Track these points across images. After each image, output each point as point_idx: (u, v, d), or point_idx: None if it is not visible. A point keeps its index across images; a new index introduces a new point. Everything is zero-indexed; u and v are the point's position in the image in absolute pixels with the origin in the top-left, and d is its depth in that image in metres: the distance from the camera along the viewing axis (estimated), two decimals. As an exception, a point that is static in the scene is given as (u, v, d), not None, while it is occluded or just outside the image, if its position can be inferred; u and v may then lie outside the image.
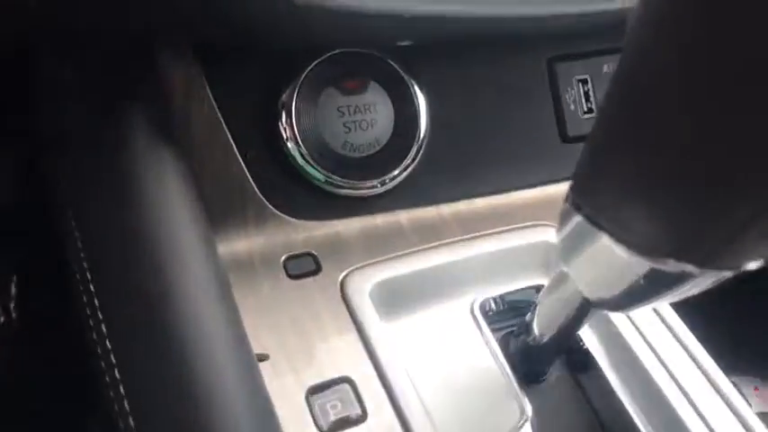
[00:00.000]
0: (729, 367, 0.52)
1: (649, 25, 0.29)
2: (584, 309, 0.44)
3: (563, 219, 0.41)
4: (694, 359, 0.51)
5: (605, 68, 0.64)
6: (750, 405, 0.49)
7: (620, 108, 0.33)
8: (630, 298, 0.38)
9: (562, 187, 0.60)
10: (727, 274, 0.33)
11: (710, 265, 0.32)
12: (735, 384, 0.51)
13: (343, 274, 0.50)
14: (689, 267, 0.33)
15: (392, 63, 0.54)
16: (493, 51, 0.59)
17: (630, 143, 0.33)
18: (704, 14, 0.25)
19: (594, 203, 0.37)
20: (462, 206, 0.56)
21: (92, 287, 0.39)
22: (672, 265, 0.33)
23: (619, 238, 0.35)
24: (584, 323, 0.46)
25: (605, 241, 0.36)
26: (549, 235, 0.55)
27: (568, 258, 0.41)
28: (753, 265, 0.32)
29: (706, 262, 0.32)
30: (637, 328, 0.50)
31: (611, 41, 0.64)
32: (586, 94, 0.63)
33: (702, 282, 0.34)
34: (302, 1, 0.41)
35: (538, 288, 0.55)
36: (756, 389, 0.69)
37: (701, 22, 0.25)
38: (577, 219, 0.39)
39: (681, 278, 0.34)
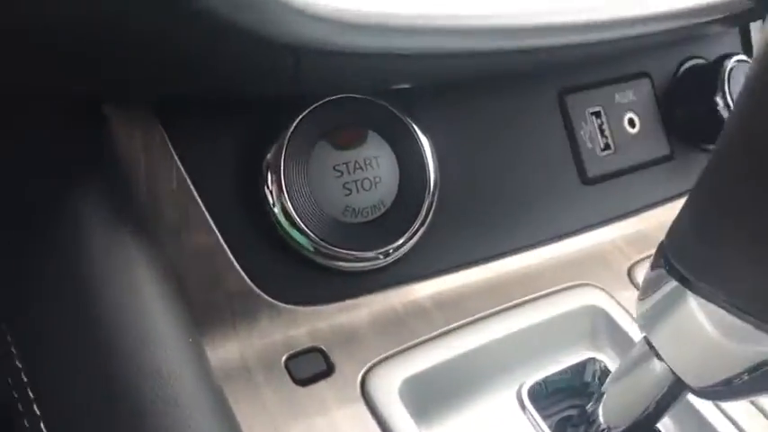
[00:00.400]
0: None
1: None
2: (673, 395, 0.36)
3: (649, 284, 0.33)
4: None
5: (617, 98, 0.57)
6: None
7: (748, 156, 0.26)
8: (745, 385, 0.30)
9: (592, 237, 0.52)
10: None
11: None
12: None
13: (362, 371, 0.40)
14: None
15: (391, 108, 0.45)
16: (499, 87, 0.51)
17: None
18: None
19: (705, 271, 0.29)
20: (487, 270, 0.47)
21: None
22: None
23: (740, 310, 0.27)
24: (668, 412, 0.37)
25: (710, 309, 0.28)
26: (592, 297, 0.47)
27: (659, 335, 0.33)
28: None
29: None
30: (728, 418, 0.42)
31: (618, 69, 0.57)
32: (601, 128, 0.55)
33: None
34: (286, 38, 0.32)
35: (587, 362, 0.46)
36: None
37: None
38: (671, 284, 0.30)
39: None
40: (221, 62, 0.33)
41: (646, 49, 0.58)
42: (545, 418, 0.44)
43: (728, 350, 0.29)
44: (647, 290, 0.33)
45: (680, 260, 0.30)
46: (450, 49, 0.38)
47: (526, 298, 0.46)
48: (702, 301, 0.29)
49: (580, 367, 0.45)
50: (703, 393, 0.33)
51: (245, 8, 0.29)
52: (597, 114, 0.56)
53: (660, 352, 0.33)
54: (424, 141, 0.45)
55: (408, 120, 0.45)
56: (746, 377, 0.29)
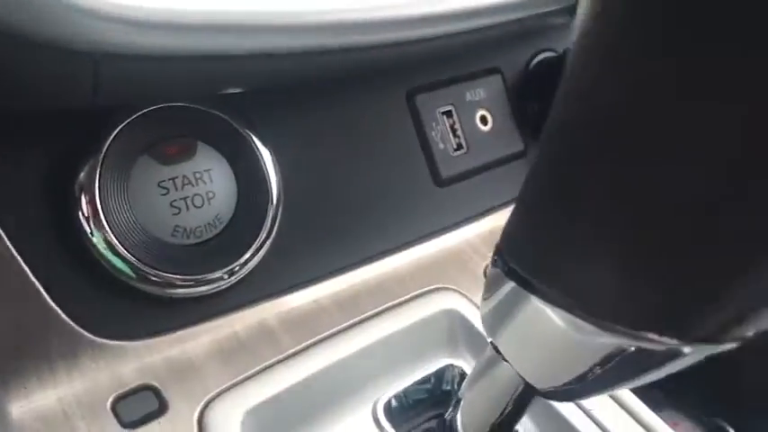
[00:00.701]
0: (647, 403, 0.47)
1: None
2: (525, 398, 0.35)
3: (491, 286, 0.31)
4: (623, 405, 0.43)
5: (468, 96, 0.56)
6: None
7: (573, 151, 0.25)
8: (591, 384, 0.29)
9: (447, 239, 0.51)
10: (729, 346, 0.25)
11: (716, 338, 0.24)
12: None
13: (200, 407, 0.36)
14: (681, 343, 0.24)
15: (223, 116, 0.41)
16: (343, 89, 0.48)
17: (599, 191, 0.24)
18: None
19: (543, 271, 0.28)
20: (339, 283, 0.44)
21: None
22: (652, 341, 0.24)
23: (571, 307, 0.26)
24: (524, 414, 0.36)
25: (551, 313, 0.27)
26: (448, 301, 0.45)
27: (499, 335, 0.32)
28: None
29: (710, 335, 0.24)
30: (586, 413, 0.41)
31: (469, 66, 0.56)
32: (453, 127, 0.54)
33: (692, 359, 0.26)
34: (77, 43, 0.29)
35: (446, 368, 0.45)
36: (675, 423, 0.63)
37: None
38: (509, 285, 0.29)
39: (665, 358, 0.25)
40: (7, 71, 0.29)
41: (495, 45, 0.57)
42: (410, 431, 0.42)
43: (574, 347, 0.28)
44: (488, 290, 0.32)
45: (516, 260, 0.29)
46: (261, 48, 0.35)
47: (380, 308, 0.44)
48: (541, 300, 0.28)
49: (440, 375, 0.44)
50: (553, 395, 0.32)
51: (19, 7, 0.25)
52: (448, 114, 0.54)
53: (505, 355, 0.32)
54: (264, 150, 0.42)
55: (244, 128, 0.42)
56: (599, 370, 0.28)
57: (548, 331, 0.28)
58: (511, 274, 0.29)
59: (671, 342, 0.24)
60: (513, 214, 0.29)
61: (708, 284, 0.23)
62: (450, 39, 0.51)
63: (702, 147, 0.19)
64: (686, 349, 0.25)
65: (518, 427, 0.43)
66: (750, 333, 0.24)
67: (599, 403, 0.42)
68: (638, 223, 0.23)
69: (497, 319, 0.31)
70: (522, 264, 0.29)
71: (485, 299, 0.31)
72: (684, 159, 0.20)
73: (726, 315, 0.23)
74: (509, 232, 0.30)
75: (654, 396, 0.63)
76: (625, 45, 0.20)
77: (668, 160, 0.21)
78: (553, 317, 0.27)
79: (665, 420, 0.64)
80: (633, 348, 0.25)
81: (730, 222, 0.21)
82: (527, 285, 0.28)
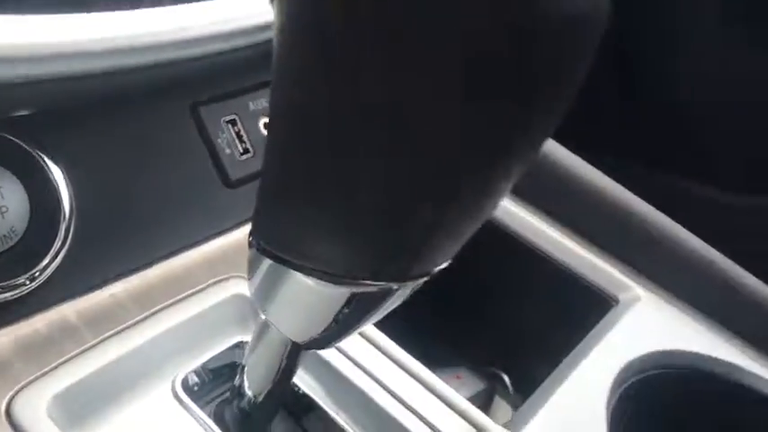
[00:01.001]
0: (432, 362, 0.55)
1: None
2: (294, 354, 0.42)
3: (251, 266, 0.38)
4: (404, 367, 0.52)
5: (251, 106, 0.63)
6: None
7: (286, 143, 0.32)
8: (338, 329, 0.38)
9: (238, 233, 0.58)
10: (423, 280, 0.33)
11: (407, 277, 0.33)
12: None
13: (7, 397, 0.41)
14: (388, 284, 0.32)
15: (11, 137, 0.45)
16: (130, 106, 0.53)
17: (302, 177, 0.32)
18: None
19: (279, 242, 0.36)
20: (135, 281, 0.50)
21: None
22: (371, 286, 0.33)
23: (311, 272, 0.34)
24: (297, 368, 0.44)
25: (299, 279, 0.35)
26: (239, 287, 0.52)
27: (266, 306, 0.39)
28: (443, 265, 0.33)
29: (402, 275, 0.32)
30: (344, 354, 0.50)
31: (253, 79, 0.63)
32: (238, 134, 0.61)
33: (402, 294, 0.34)
34: None
35: (238, 345, 0.51)
36: (459, 377, 0.74)
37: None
38: (266, 262, 0.36)
39: (383, 296, 0.34)
40: None
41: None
42: (206, 404, 0.48)
43: (322, 301, 0.35)
44: (250, 270, 0.39)
45: (265, 240, 0.36)
46: (46, 75, 0.40)
47: (175, 299, 0.50)
48: (292, 270, 0.35)
49: (233, 351, 0.51)
50: (315, 344, 0.40)
51: None
52: (233, 122, 0.61)
53: (273, 322, 0.39)
54: (54, 167, 0.47)
55: (34, 148, 0.46)
56: (341, 315, 0.35)
57: (301, 294, 0.36)
58: (264, 252, 0.36)
59: (383, 284, 0.33)
60: (257, 198, 0.36)
61: (395, 247, 0.31)
62: (229, 55, 0.58)
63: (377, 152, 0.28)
64: (394, 286, 0.33)
65: (301, 384, 0.51)
66: (431, 269, 0.33)
67: (379, 364, 0.51)
68: (345, 209, 0.31)
69: (262, 293, 0.38)
70: (271, 242, 0.36)
71: (249, 278, 0.38)
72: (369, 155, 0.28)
73: (408, 262, 0.32)
74: (256, 215, 0.37)
75: (443, 353, 0.74)
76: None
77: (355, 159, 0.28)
78: (303, 281, 0.35)
79: (449, 374, 0.75)
80: (361, 292, 0.34)
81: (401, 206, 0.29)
82: (278, 260, 0.36)
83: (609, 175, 0.70)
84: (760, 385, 0.61)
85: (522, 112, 0.25)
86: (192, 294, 0.50)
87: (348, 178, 0.29)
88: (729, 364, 0.61)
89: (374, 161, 0.28)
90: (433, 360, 0.56)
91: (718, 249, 0.66)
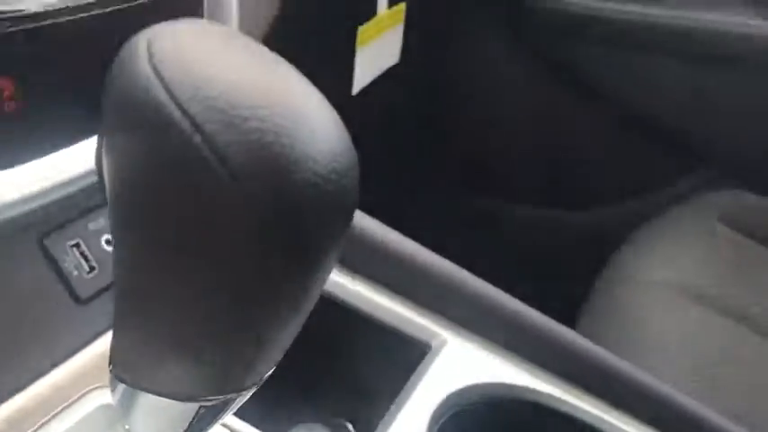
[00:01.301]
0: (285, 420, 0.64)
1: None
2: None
3: (112, 384, 0.47)
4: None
5: (91, 226, 0.70)
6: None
7: (124, 288, 0.41)
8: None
9: (96, 346, 0.65)
10: (262, 381, 0.44)
11: (244, 387, 0.43)
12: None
13: None
14: (230, 396, 0.42)
15: None
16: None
17: (139, 314, 0.41)
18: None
19: (132, 373, 0.44)
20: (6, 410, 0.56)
21: None
22: (216, 400, 0.43)
23: (164, 394, 0.43)
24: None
25: (153, 398, 0.44)
26: (102, 398, 0.59)
27: (128, 418, 0.47)
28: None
29: (240, 387, 0.42)
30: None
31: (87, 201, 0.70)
32: (83, 255, 0.68)
33: (245, 395, 0.44)
34: None
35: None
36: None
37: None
38: (126, 389, 0.45)
39: (227, 402, 0.44)
40: None
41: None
42: None
43: (176, 415, 0.44)
44: (111, 386, 0.47)
45: (118, 368, 0.45)
46: None
47: (45, 419, 0.56)
48: (143, 393, 0.44)
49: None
50: None
51: None
52: (77, 245, 0.68)
53: (132, 430, 0.48)
54: None
55: None
56: (197, 419, 0.44)
57: (157, 410, 0.44)
58: (120, 380, 0.45)
59: (225, 397, 0.43)
60: (113, 333, 0.45)
61: (230, 370, 0.41)
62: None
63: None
64: (235, 396, 0.43)
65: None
66: (267, 372, 0.43)
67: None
68: (179, 347, 0.40)
69: (123, 408, 0.46)
70: (126, 372, 0.44)
71: (112, 392, 0.47)
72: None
73: (243, 377, 0.42)
74: (111, 345, 0.45)
75: (295, 412, 0.83)
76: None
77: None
78: (156, 400, 0.43)
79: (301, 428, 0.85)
80: (208, 405, 0.43)
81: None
82: (134, 386, 0.44)
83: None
84: (556, 404, 0.76)
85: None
86: (62, 411, 0.57)
87: (177, 324, 0.38)
88: (531, 390, 0.76)
89: (190, 309, 0.37)
90: (285, 418, 0.65)
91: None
